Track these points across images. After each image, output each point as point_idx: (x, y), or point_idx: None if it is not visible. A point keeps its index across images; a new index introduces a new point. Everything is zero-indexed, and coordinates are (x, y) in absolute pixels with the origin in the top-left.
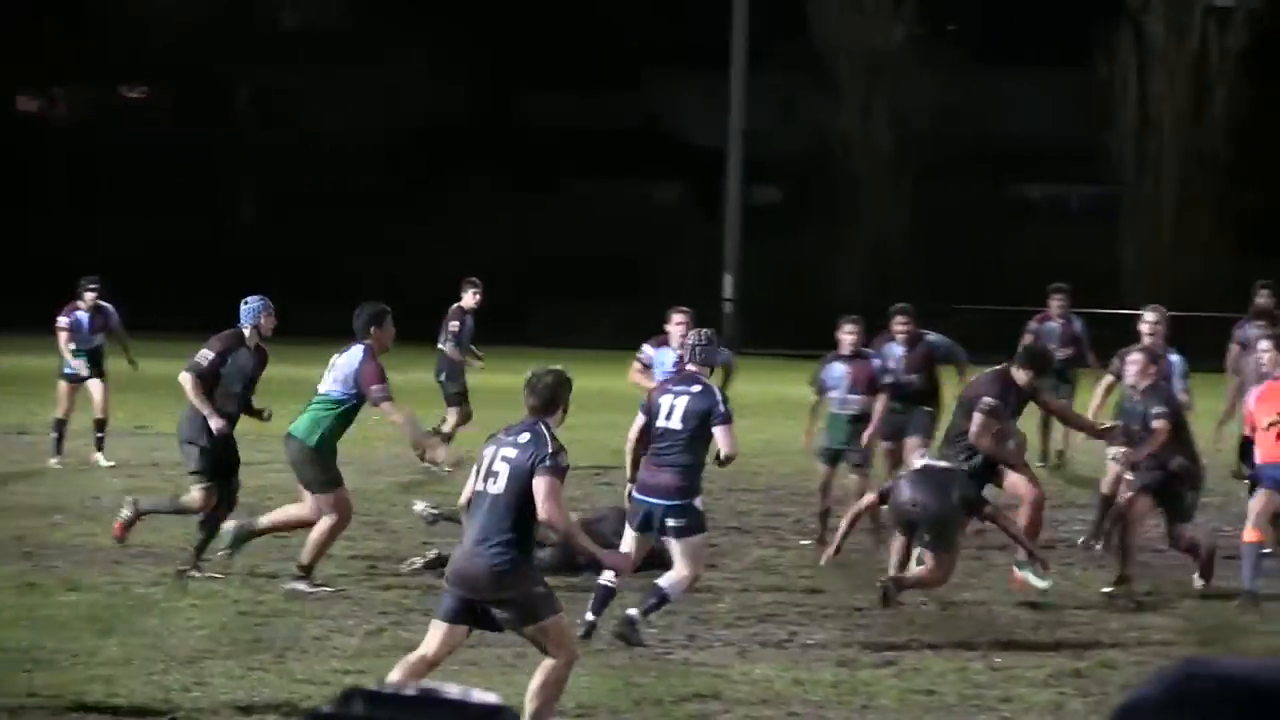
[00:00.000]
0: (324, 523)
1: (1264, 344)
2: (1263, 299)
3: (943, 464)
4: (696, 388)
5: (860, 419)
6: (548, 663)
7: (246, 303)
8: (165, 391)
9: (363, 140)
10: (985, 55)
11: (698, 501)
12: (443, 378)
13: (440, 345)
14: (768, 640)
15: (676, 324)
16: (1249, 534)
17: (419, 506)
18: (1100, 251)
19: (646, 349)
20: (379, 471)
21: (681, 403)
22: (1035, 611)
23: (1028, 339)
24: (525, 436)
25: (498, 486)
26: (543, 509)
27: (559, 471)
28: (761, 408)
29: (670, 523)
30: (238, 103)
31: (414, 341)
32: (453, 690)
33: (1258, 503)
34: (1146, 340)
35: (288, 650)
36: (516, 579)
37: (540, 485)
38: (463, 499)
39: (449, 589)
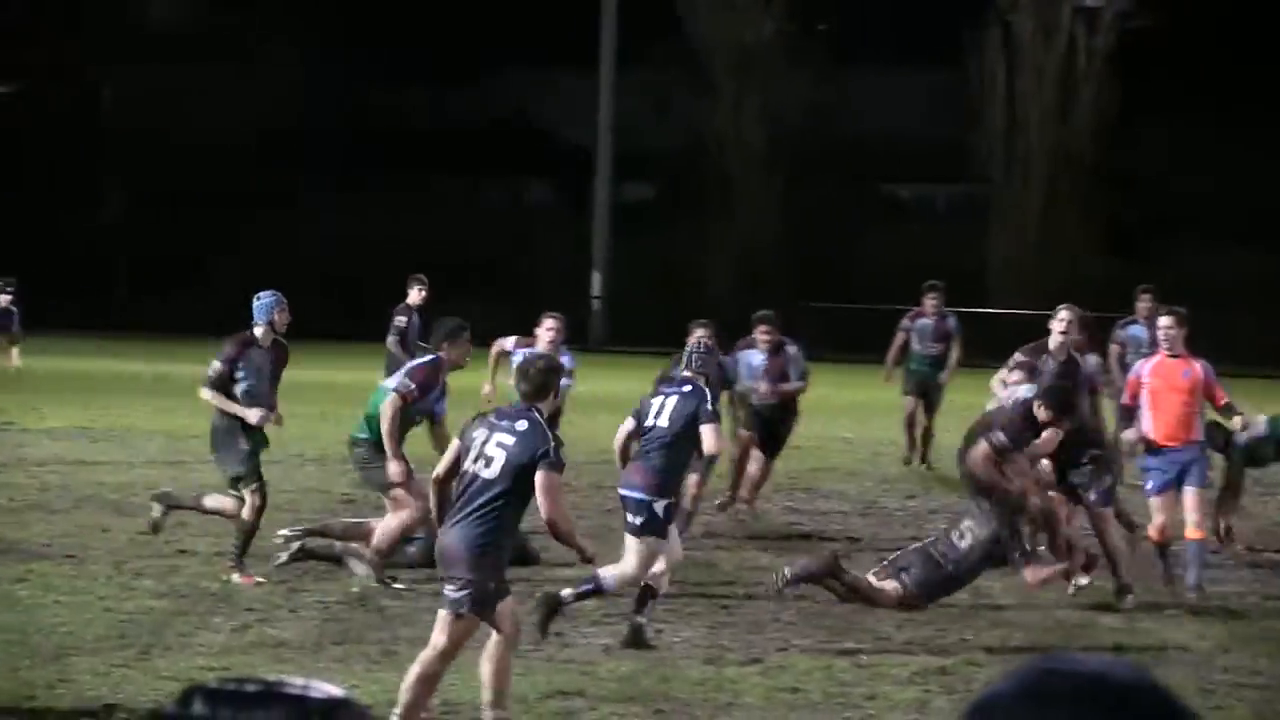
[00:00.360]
0: (402, 515)
1: (1165, 320)
2: (1144, 303)
3: None
4: (686, 388)
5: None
6: (493, 646)
7: (259, 299)
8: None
9: (228, 139)
10: (855, 54)
11: (661, 505)
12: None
13: (388, 343)
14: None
15: (547, 329)
16: (1192, 532)
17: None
18: (968, 250)
19: (508, 342)
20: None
21: (671, 402)
22: (901, 611)
23: (900, 337)
24: (523, 425)
25: (490, 472)
26: (544, 505)
27: (560, 467)
28: (629, 405)
29: (629, 517)
30: (103, 102)
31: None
32: (295, 684)
33: (1166, 501)
34: (1057, 340)
35: (152, 647)
36: (486, 564)
37: (542, 481)
38: (437, 471)
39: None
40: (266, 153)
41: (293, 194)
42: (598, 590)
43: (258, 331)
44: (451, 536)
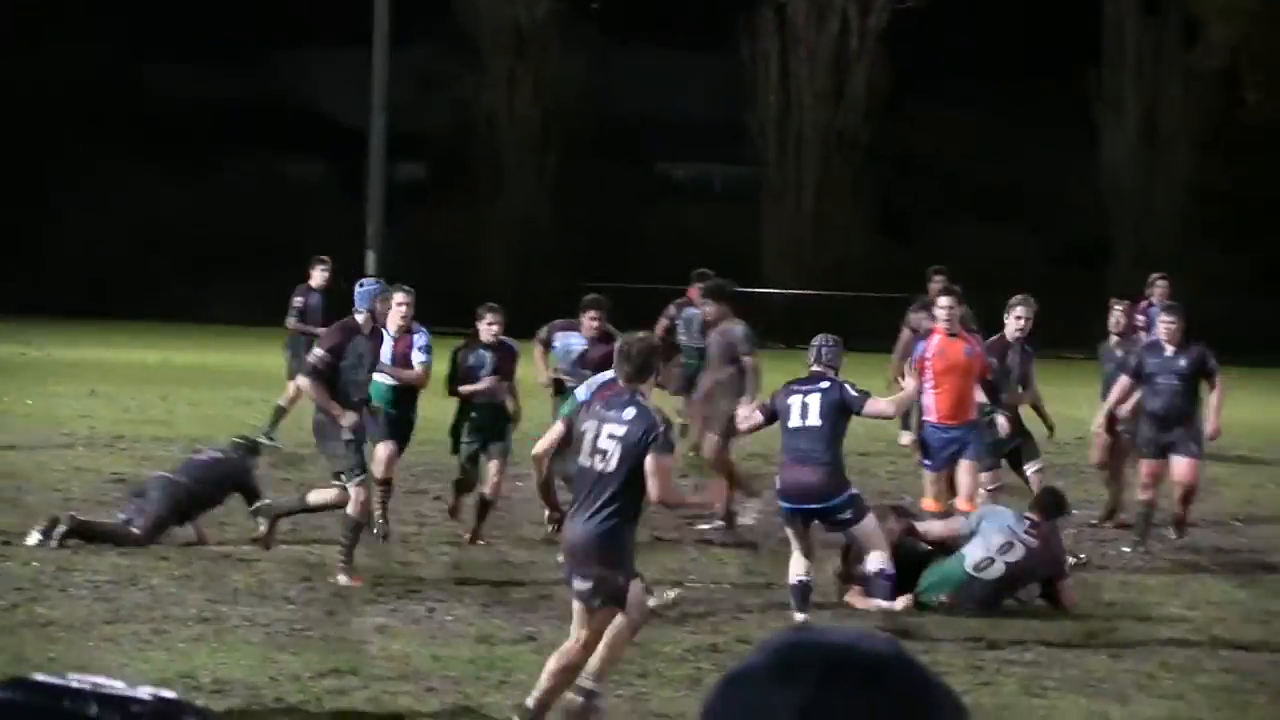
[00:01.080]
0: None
1: (945, 300)
2: (936, 284)
3: None
4: (824, 384)
5: None
6: (615, 625)
7: (361, 285)
8: None
9: None
10: (629, 34)
11: (848, 493)
12: (289, 353)
13: (289, 323)
14: (407, 616)
15: (590, 319)
16: (962, 504)
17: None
18: (743, 230)
19: (550, 331)
20: (36, 446)
21: (815, 399)
22: (679, 590)
23: (663, 324)
24: (631, 412)
25: (607, 464)
26: (654, 488)
27: (670, 449)
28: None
29: (839, 518)
30: None
31: (46, 318)
32: (117, 685)
33: (942, 477)
34: (1013, 335)
35: None
36: (613, 558)
37: (651, 464)
38: (536, 449)
39: (565, 564)
40: (29, 130)
41: (62, 172)
42: (888, 578)
43: (359, 318)
44: (579, 531)
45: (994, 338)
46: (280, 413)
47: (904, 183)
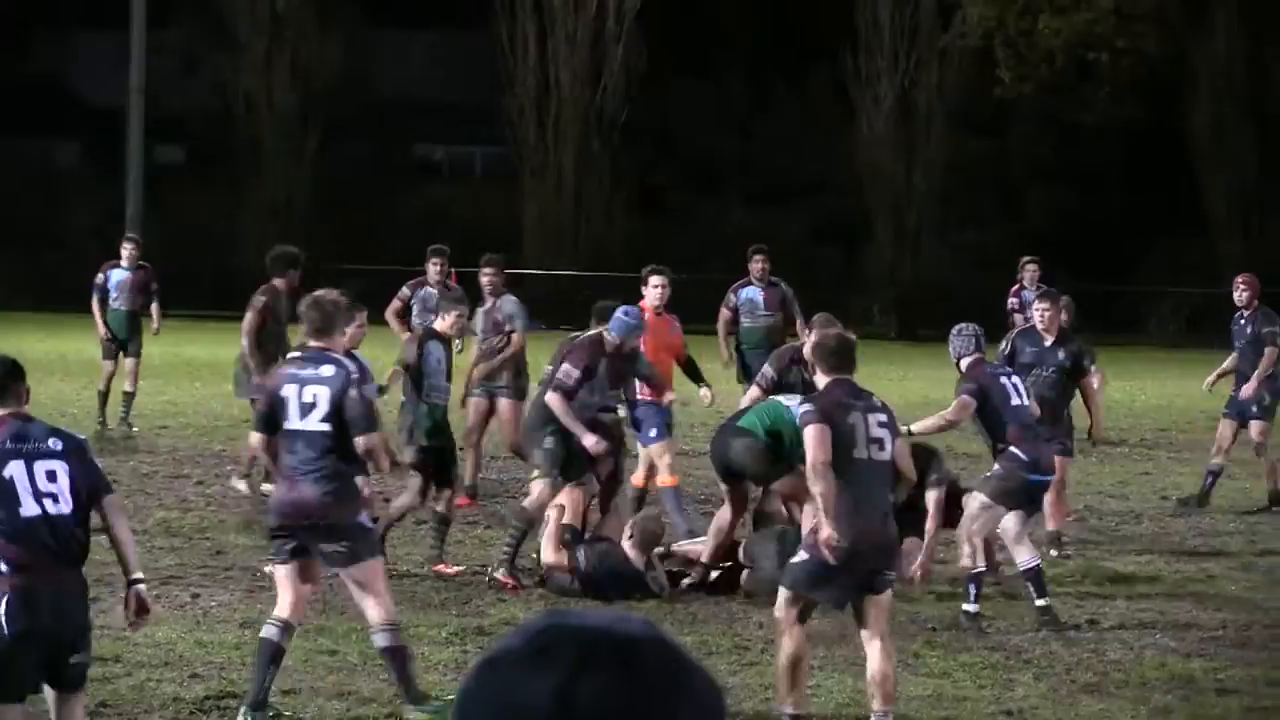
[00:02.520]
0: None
1: (656, 279)
2: (757, 264)
3: None
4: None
5: None
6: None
7: (623, 312)
8: None
9: None
10: (385, 16)
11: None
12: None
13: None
14: (171, 603)
15: (654, 285)
16: (664, 479)
17: None
18: (504, 212)
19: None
20: None
21: (1019, 380)
22: (441, 580)
23: (395, 306)
24: (878, 400)
25: (886, 453)
26: (907, 468)
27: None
28: (167, 369)
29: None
30: None
31: None
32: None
33: (666, 446)
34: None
35: None
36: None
37: (901, 448)
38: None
39: (849, 564)
40: None
41: None
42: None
43: (608, 337)
44: (879, 528)
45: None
46: (103, 398)
47: (663, 163)
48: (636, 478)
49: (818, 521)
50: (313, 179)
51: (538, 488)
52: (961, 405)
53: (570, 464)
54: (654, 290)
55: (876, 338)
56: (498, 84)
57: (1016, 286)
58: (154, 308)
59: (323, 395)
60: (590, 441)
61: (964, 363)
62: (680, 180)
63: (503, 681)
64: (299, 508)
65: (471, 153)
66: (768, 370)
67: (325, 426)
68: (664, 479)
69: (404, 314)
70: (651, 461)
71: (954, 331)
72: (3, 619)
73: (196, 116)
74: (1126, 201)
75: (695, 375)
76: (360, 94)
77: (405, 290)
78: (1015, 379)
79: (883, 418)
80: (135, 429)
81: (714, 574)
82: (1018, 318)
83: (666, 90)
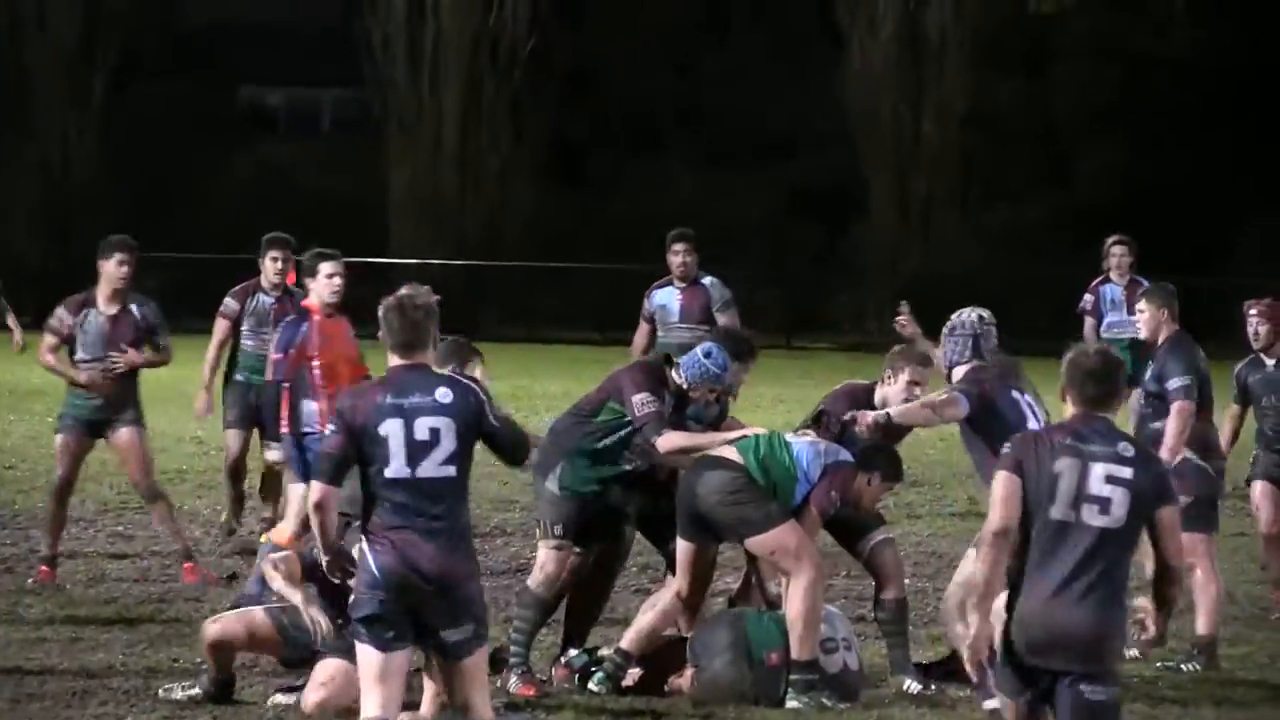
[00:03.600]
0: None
1: (326, 266)
2: (678, 255)
3: None
4: None
5: None
6: None
7: (705, 352)
8: None
9: None
10: None
11: None
12: None
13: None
14: None
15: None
16: None
17: None
18: (362, 178)
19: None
20: None
21: None
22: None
23: (221, 329)
24: (1130, 449)
25: (1111, 518)
26: (1171, 549)
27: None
28: None
29: None
30: None
31: None
32: None
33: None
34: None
35: None
36: (1117, 642)
37: (1168, 518)
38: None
39: (1025, 658)
40: None
41: None
42: None
43: (675, 377)
44: (1075, 618)
45: None
46: None
47: (582, 112)
48: None
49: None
50: (99, 134)
51: (548, 554)
52: (950, 401)
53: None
54: (326, 282)
55: (870, 348)
56: (352, 4)
57: (1099, 279)
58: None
59: (445, 430)
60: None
61: (957, 373)
62: (604, 136)
63: None
64: (420, 580)
65: (317, 98)
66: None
67: (447, 471)
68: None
69: (230, 336)
70: None
71: (947, 328)
72: None
73: None
74: (1210, 164)
75: None
76: (163, 18)
77: (231, 302)
78: (1029, 398)
79: (1124, 472)
80: None
81: (631, 672)
82: (1090, 325)
83: (585, 13)
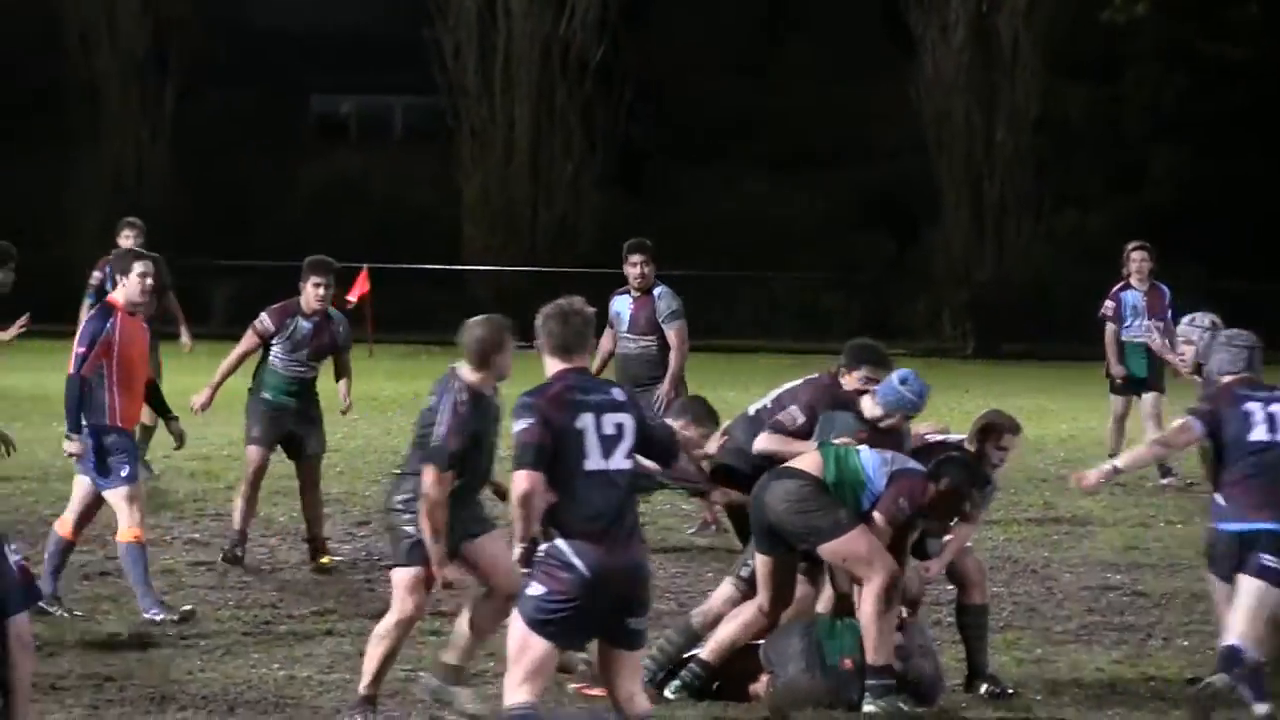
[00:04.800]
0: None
1: (140, 266)
2: (632, 265)
3: None
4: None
5: None
6: None
7: (900, 380)
8: None
9: None
10: None
11: None
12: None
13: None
14: None
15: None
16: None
17: None
18: (435, 186)
19: None
20: None
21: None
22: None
23: (247, 344)
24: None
25: None
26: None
27: None
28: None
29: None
30: None
31: None
32: None
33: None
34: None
35: None
36: None
37: None
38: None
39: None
40: None
41: None
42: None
43: (869, 405)
44: None
45: None
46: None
47: (650, 120)
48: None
49: None
50: (170, 143)
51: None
52: (1182, 429)
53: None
54: (138, 282)
55: (946, 354)
56: (424, 12)
57: (1120, 285)
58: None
59: (627, 425)
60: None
61: (1224, 380)
62: (672, 142)
63: None
64: (622, 574)
65: (389, 106)
66: (795, 412)
67: (628, 464)
68: None
69: (256, 352)
70: None
71: (1224, 336)
72: None
73: (13, 57)
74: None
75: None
76: (233, 26)
77: (268, 321)
78: (1272, 405)
79: None
80: None
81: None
82: (1111, 330)
83: (652, 21)
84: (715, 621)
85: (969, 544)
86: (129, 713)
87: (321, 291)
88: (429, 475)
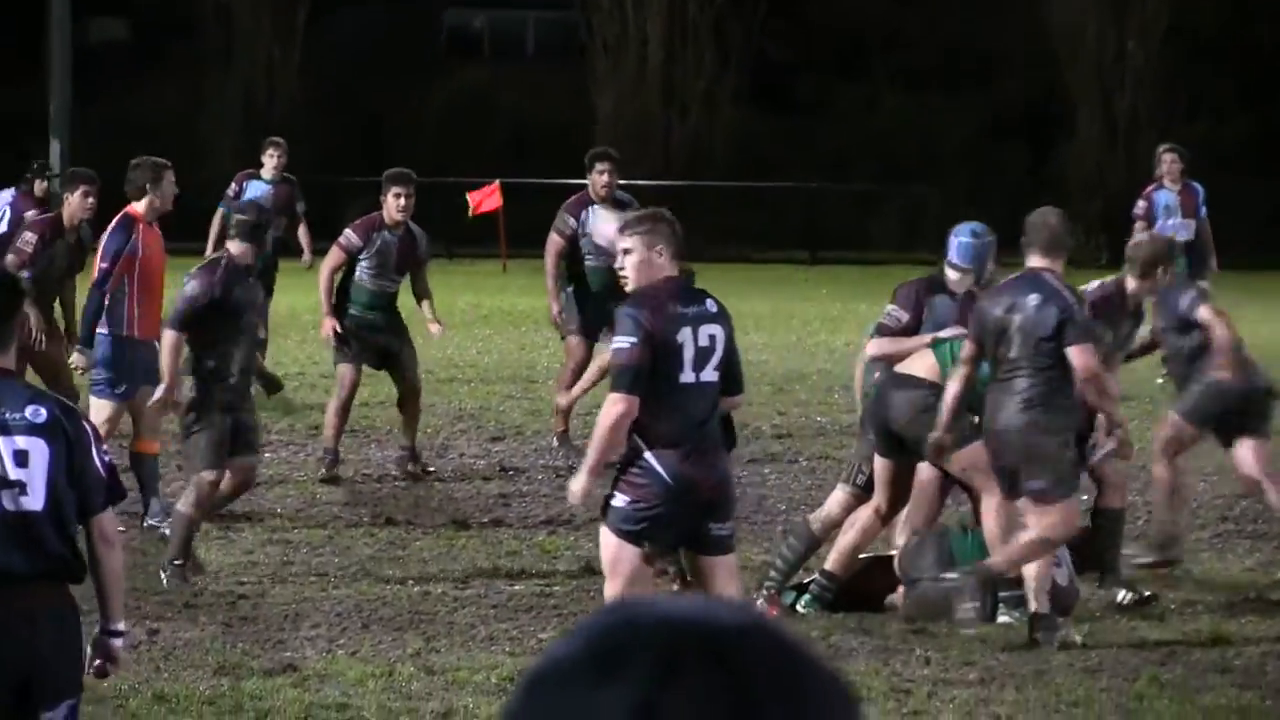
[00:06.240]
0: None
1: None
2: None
3: None
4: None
5: None
6: None
7: (971, 232)
8: None
9: None
10: None
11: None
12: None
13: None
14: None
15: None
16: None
17: None
18: (567, 101)
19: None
20: None
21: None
22: (491, 605)
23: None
24: None
25: None
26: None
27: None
28: None
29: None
30: None
31: None
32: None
33: None
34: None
35: None
36: None
37: None
38: None
39: None
40: None
41: None
42: None
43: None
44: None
45: None
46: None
47: (784, 34)
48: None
49: None
50: (302, 61)
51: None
52: None
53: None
54: (173, 191)
55: (1081, 264)
56: None
57: (1152, 185)
58: (302, 232)
59: (719, 336)
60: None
61: None
62: (809, 57)
63: (560, 702)
64: (705, 483)
65: (522, 20)
66: (896, 311)
67: (715, 376)
68: None
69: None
70: None
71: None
72: None
73: None
74: None
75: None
76: None
77: (353, 236)
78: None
79: None
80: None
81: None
82: (1140, 230)
83: None
84: (832, 527)
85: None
86: (262, 630)
87: (403, 202)
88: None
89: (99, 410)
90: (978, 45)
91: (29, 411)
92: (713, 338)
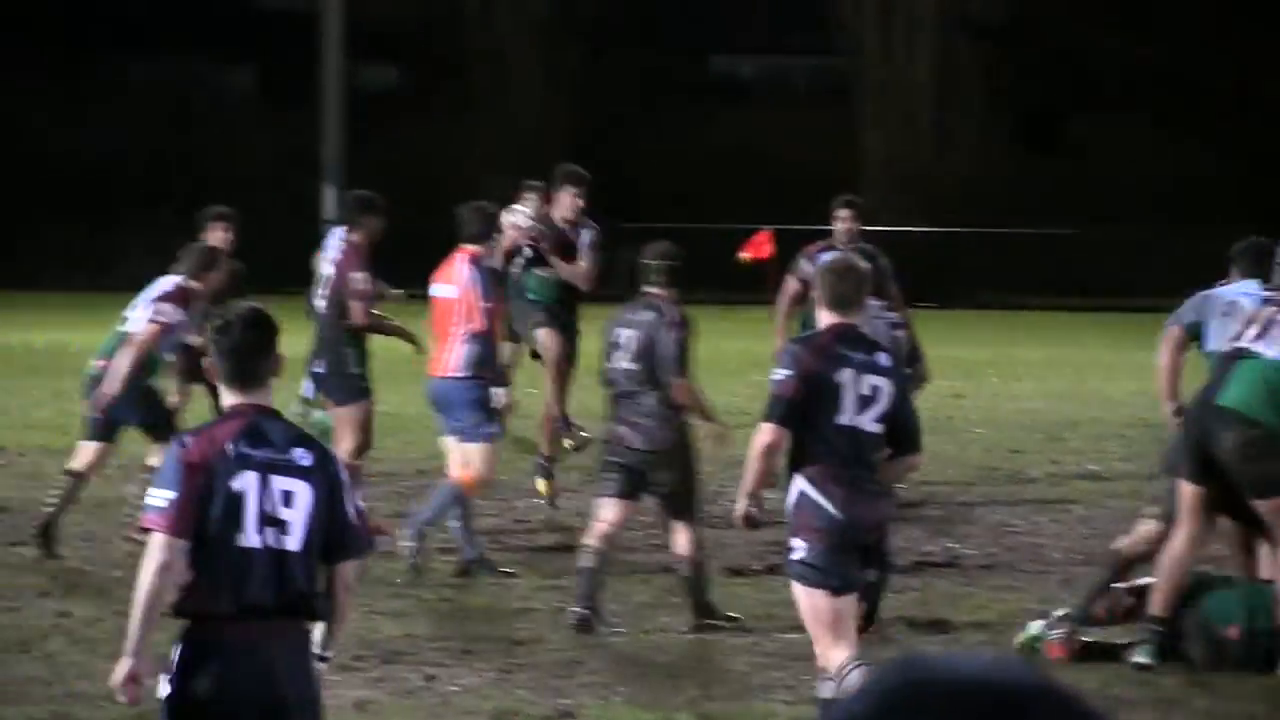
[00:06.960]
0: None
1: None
2: (844, 223)
3: None
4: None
5: None
6: None
7: None
8: None
9: None
10: None
11: None
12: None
13: None
14: (397, 687)
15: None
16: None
17: None
18: (835, 145)
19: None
20: None
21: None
22: (680, 635)
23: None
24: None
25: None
26: None
27: None
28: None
29: None
30: None
31: None
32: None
33: None
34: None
35: None
36: None
37: None
38: None
39: None
40: None
41: None
42: None
43: None
44: None
45: None
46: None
47: (1052, 78)
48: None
49: None
50: (571, 106)
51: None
52: None
53: None
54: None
55: None
56: None
57: None
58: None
59: (884, 390)
60: None
61: None
62: (1073, 101)
63: None
64: (867, 522)
65: (789, 66)
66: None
67: (878, 428)
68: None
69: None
70: None
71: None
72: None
73: (414, 25)
74: None
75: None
76: None
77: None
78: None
79: None
80: None
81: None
82: None
83: None
84: (1139, 558)
85: None
86: (539, 676)
87: (580, 202)
88: None
89: (483, 455)
90: (1249, 90)
91: (296, 454)
92: (876, 389)
